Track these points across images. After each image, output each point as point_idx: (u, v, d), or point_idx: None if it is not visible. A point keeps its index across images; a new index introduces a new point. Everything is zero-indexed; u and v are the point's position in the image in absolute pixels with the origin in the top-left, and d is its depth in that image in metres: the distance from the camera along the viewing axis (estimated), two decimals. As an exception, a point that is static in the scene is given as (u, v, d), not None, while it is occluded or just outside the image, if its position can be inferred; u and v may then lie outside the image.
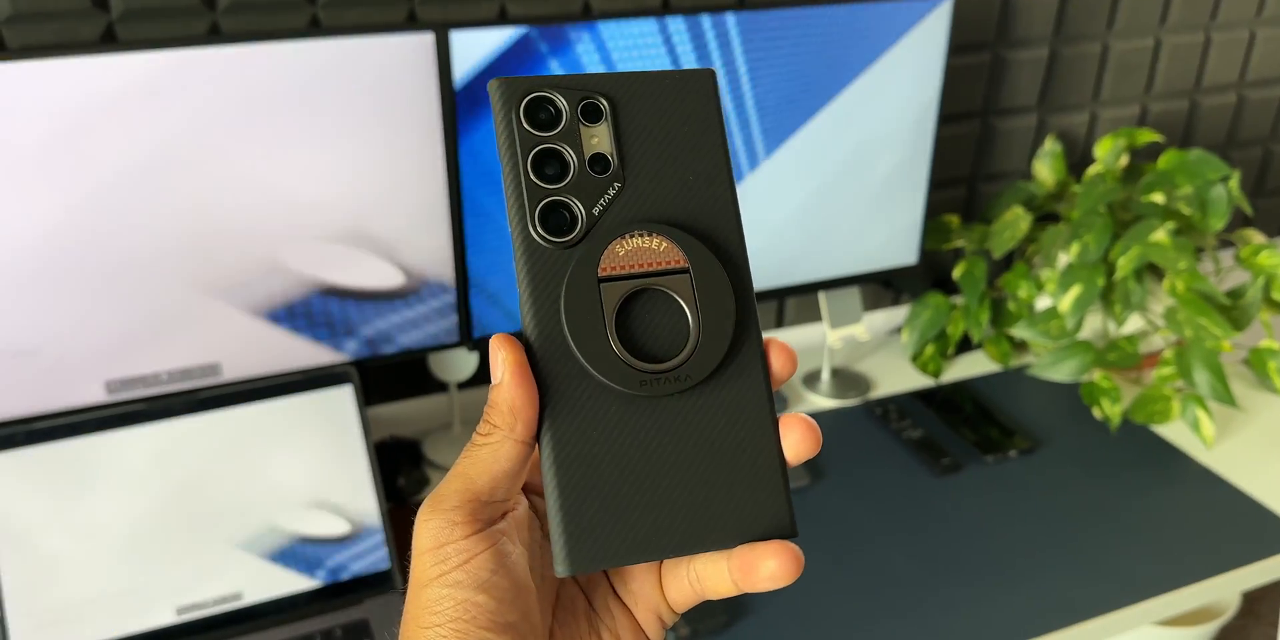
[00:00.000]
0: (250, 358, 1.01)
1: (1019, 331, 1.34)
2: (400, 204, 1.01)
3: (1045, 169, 1.43)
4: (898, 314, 1.51)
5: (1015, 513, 1.15)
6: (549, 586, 0.38)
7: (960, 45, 1.31)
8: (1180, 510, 1.16)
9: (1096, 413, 1.30)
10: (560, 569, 0.35)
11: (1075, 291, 1.27)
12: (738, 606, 1.01)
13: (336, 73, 0.95)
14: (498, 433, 0.35)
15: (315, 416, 1.00)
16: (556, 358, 0.36)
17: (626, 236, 0.37)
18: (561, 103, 0.37)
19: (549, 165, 0.37)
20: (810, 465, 1.22)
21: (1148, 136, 1.37)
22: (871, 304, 1.49)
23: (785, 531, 0.36)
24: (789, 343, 1.51)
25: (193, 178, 0.93)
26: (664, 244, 0.37)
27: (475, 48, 0.98)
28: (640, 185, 0.37)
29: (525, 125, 0.37)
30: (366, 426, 1.02)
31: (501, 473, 0.35)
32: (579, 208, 0.37)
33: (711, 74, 0.39)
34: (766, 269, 1.24)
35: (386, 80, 0.96)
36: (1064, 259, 1.33)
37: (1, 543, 0.90)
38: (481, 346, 1.12)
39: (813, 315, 1.47)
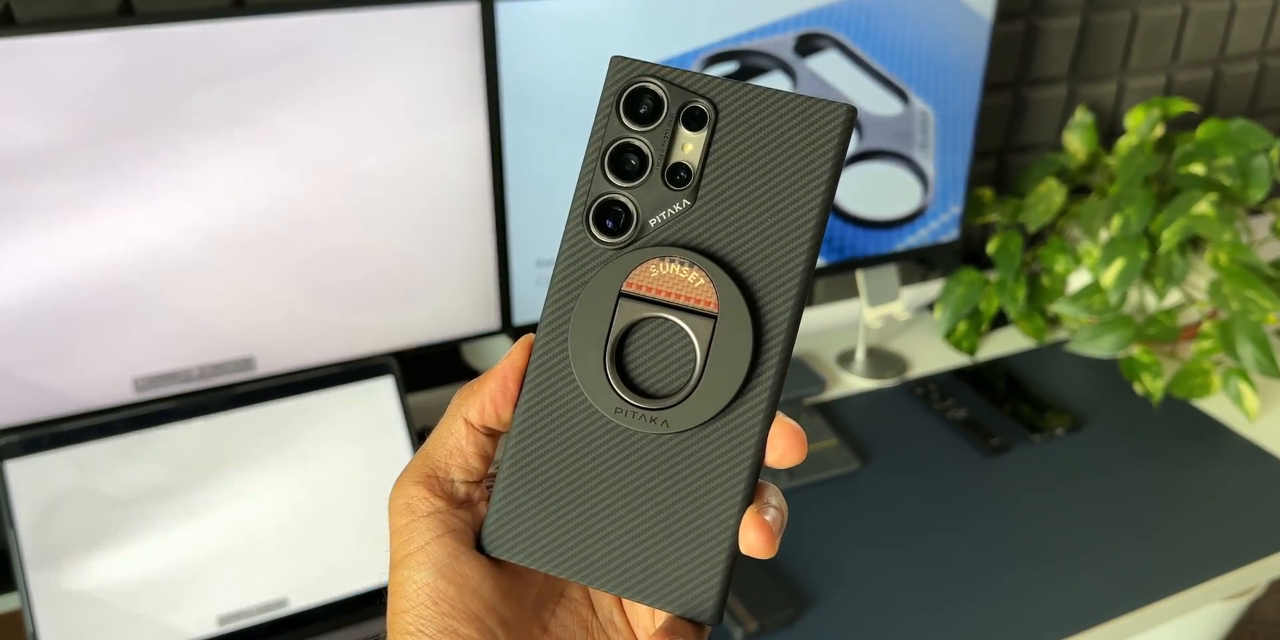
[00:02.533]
0: (285, 350, 0.95)
1: (1059, 307, 1.31)
2: (437, 189, 0.96)
3: (1076, 140, 1.40)
4: (928, 290, 1.48)
5: (1070, 492, 1.13)
6: (550, 585, 0.37)
7: (997, 13, 1.27)
8: (1231, 486, 1.14)
9: (1138, 388, 1.28)
10: (480, 544, 0.35)
11: (1119, 265, 1.25)
12: (804, 599, 0.98)
13: (369, 47, 0.88)
14: (453, 408, 0.36)
15: (356, 410, 0.95)
16: (555, 353, 0.35)
17: (667, 259, 0.34)
18: (666, 99, 0.34)
19: (627, 161, 0.35)
20: (858, 448, 1.18)
21: (1182, 106, 1.35)
22: (901, 280, 1.46)
23: (704, 617, 0.34)
24: (824, 319, 1.43)
25: (213, 167, 0.87)
26: (701, 280, 0.34)
27: (525, 20, 0.92)
28: (711, 209, 0.34)
29: (620, 114, 0.35)
30: (409, 419, 0.97)
31: (455, 448, 0.36)
32: (638, 213, 0.35)
33: (849, 111, 0.34)
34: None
35: (425, 56, 0.90)
36: (1103, 233, 1.30)
37: (30, 552, 0.84)
38: (520, 335, 1.07)
39: (843, 293, 1.43)
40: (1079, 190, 1.41)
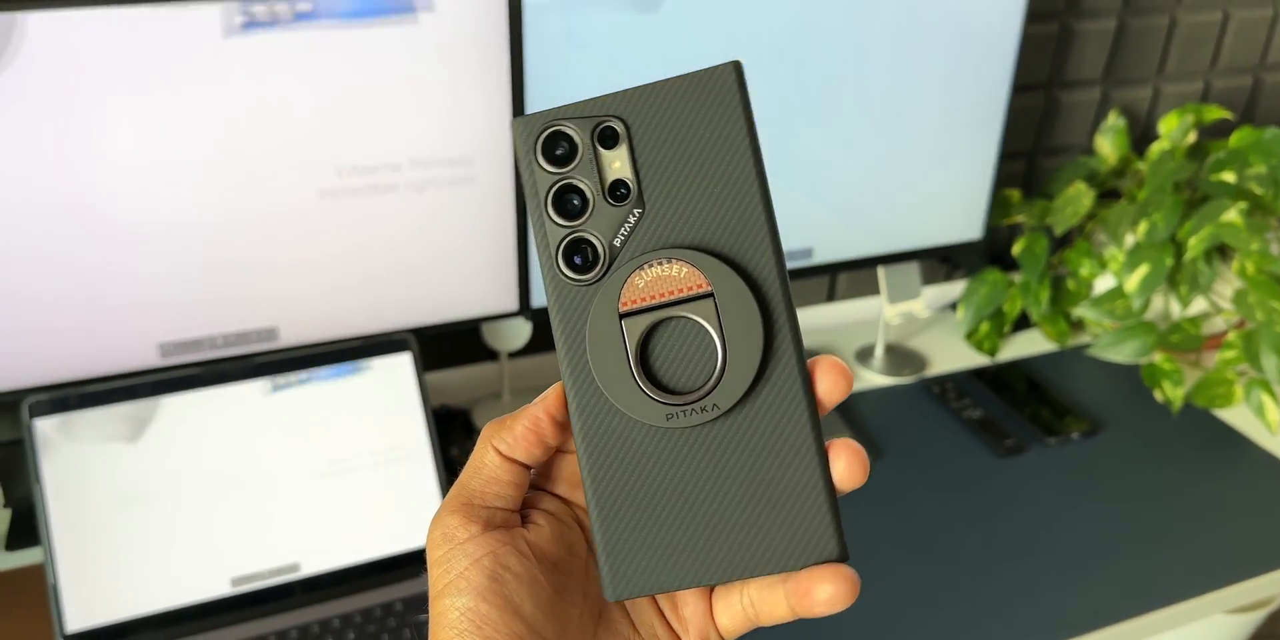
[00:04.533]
0: (308, 322, 0.97)
1: (1082, 311, 1.31)
2: (462, 171, 0.97)
3: (1107, 144, 1.39)
4: (951, 289, 1.48)
5: (1081, 496, 1.12)
6: (590, 605, 0.37)
7: (1030, 14, 1.27)
8: (1248, 496, 1.14)
9: (1158, 395, 1.27)
10: (607, 594, 0.36)
11: (1143, 271, 1.24)
12: (805, 587, 0.98)
13: (406, 27, 0.90)
14: (485, 440, 0.37)
15: (374, 384, 0.97)
16: (589, 395, 0.36)
17: (645, 267, 0.36)
18: (576, 133, 0.36)
19: (569, 201, 0.36)
20: (870, 443, 1.19)
21: (1216, 113, 1.34)
22: (924, 278, 1.46)
23: (832, 556, 0.35)
24: (844, 314, 1.42)
25: (251, 137, 0.89)
26: (684, 269, 0.35)
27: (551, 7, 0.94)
28: (662, 208, 0.36)
29: (542, 163, 0.37)
30: (425, 395, 0.98)
31: (491, 477, 0.36)
32: (600, 242, 0.36)
33: (733, 69, 0.35)
34: (826, 241, 1.20)
35: (457, 30, 0.92)
36: (1130, 238, 1.29)
37: (54, 510, 0.87)
38: (538, 316, 1.08)
39: (865, 289, 1.43)
40: (1109, 195, 1.40)
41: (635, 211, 0.36)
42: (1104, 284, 1.36)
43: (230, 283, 0.93)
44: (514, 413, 0.37)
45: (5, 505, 1.01)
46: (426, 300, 1.01)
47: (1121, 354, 1.30)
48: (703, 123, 0.36)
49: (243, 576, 0.91)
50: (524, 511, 0.38)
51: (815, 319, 1.43)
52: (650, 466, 0.36)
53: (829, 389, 0.35)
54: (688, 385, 0.35)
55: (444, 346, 1.21)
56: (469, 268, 1.02)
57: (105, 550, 0.88)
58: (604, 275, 0.36)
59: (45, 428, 0.88)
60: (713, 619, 0.37)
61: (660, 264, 0.35)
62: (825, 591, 0.34)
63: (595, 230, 0.36)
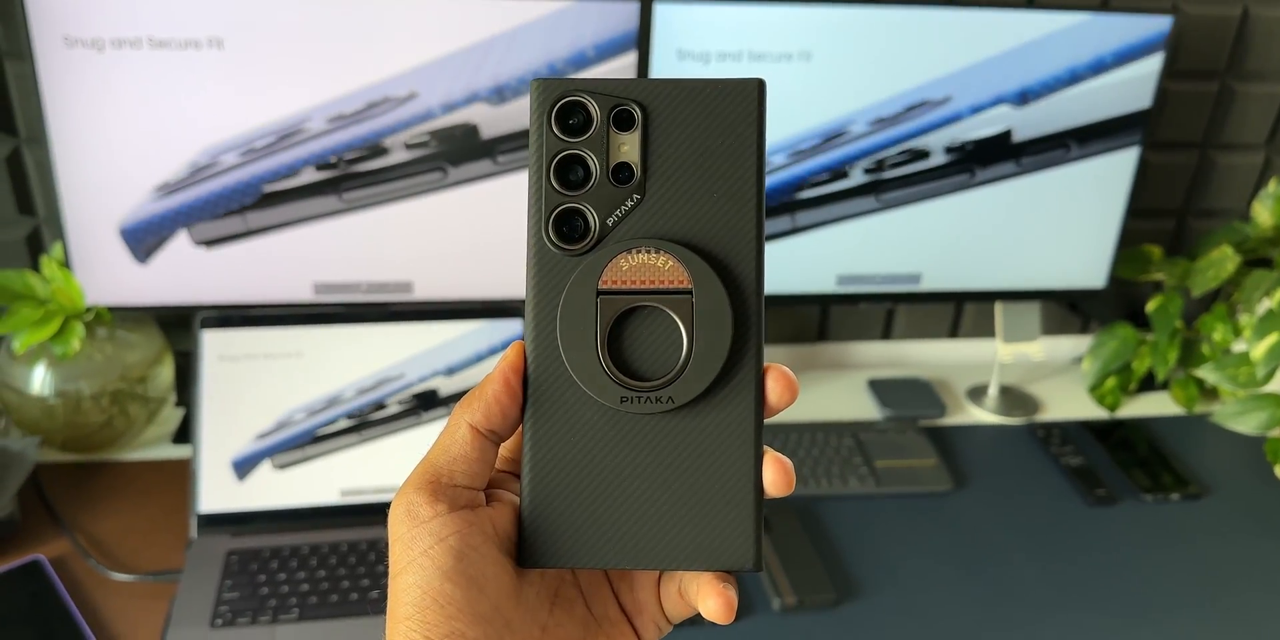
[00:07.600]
0: (440, 282, 1.11)
1: (1205, 373, 1.28)
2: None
3: (1265, 211, 1.36)
4: (1083, 342, 1.47)
5: (1166, 556, 1.10)
6: (546, 586, 0.38)
7: (1187, 71, 1.27)
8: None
9: (1278, 471, 1.23)
10: (520, 560, 0.37)
11: (1271, 340, 1.21)
12: (848, 587, 1.02)
13: (529, 38, 1.03)
14: (456, 416, 0.37)
15: (488, 344, 1.10)
16: (548, 362, 0.37)
17: (633, 251, 0.36)
18: (594, 108, 0.37)
19: (571, 171, 0.37)
20: (956, 472, 1.21)
21: (1388, 189, 1.28)
22: (1058, 328, 1.46)
23: (746, 565, 0.36)
24: (965, 351, 1.45)
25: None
26: (669, 263, 0.36)
27: (680, 22, 1.05)
28: (660, 199, 0.37)
29: (554, 130, 0.37)
30: (531, 360, 1.10)
31: (459, 454, 0.36)
32: (593, 217, 0.37)
33: (758, 85, 0.37)
34: (936, 269, 1.24)
35: (583, 48, 1.04)
36: (1265, 304, 1.26)
37: (206, 410, 1.03)
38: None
39: (990, 330, 1.45)
40: (1258, 263, 1.36)
41: (635, 196, 0.37)
42: (1237, 350, 1.33)
43: (378, 244, 1.09)
44: (480, 382, 0.37)
45: (178, 404, 1.20)
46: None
47: (1245, 425, 1.26)
48: (718, 128, 0.37)
49: (351, 489, 1.05)
50: (487, 492, 0.38)
51: (936, 353, 1.46)
52: (592, 444, 0.37)
53: (775, 398, 0.37)
54: (647, 373, 0.36)
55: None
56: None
57: (239, 447, 1.04)
58: (590, 250, 0.37)
59: (210, 339, 1.05)
60: (660, 602, 0.39)
61: (648, 252, 0.36)
62: (707, 606, 0.36)
63: (591, 205, 0.37)
